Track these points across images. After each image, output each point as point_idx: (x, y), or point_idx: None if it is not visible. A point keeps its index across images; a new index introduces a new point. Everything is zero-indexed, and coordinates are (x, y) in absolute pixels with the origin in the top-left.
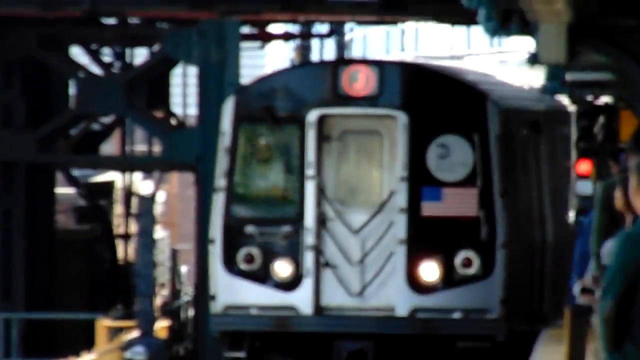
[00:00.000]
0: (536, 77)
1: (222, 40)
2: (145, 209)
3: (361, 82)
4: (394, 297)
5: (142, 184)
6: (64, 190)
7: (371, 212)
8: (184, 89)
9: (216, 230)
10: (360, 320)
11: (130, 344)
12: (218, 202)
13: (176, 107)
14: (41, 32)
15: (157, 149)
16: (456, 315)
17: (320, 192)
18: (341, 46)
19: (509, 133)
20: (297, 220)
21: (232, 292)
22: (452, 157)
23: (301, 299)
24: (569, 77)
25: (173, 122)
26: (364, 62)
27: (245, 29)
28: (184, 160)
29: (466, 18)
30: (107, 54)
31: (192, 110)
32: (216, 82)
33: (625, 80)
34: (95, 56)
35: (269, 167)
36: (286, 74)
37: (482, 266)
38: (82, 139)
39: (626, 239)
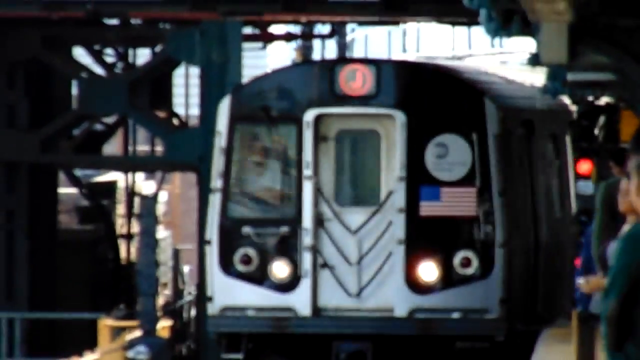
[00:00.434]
0: (538, 77)
1: (224, 40)
2: (147, 209)
3: (358, 81)
4: (392, 298)
5: (144, 184)
6: (66, 190)
7: (369, 212)
8: (186, 90)
9: (213, 231)
10: (358, 321)
11: (132, 344)
12: (214, 202)
13: (178, 107)
14: (44, 33)
15: (159, 149)
16: (455, 316)
17: (318, 192)
18: (342, 47)
19: (507, 132)
20: (295, 220)
21: (229, 293)
22: (451, 156)
23: (299, 300)
24: (570, 77)
25: (175, 122)
26: (361, 61)
27: (247, 30)
28: (186, 160)
29: (467, 18)
30: (109, 55)
31: (195, 111)
32: (218, 82)
33: (625, 80)
34: (98, 57)
35: (266, 168)
36: (282, 74)
37: (481, 266)
38: (84, 139)
39: (628, 239)
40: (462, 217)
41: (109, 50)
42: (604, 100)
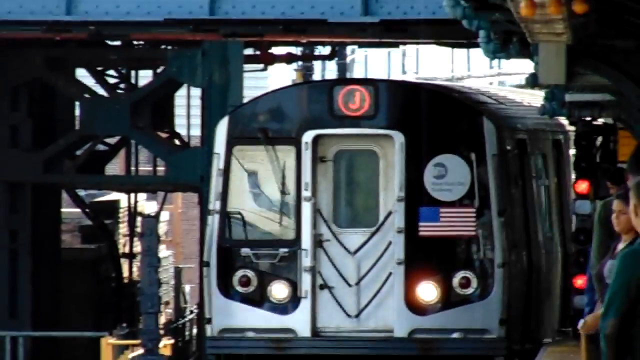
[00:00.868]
0: (536, 98)
1: (225, 62)
2: (149, 229)
3: (357, 101)
4: (392, 319)
5: (146, 204)
6: (69, 210)
7: (368, 233)
8: (188, 110)
9: (211, 253)
10: (358, 342)
11: None
12: (212, 224)
13: (180, 128)
14: (47, 54)
15: (161, 169)
16: (455, 336)
17: (317, 213)
18: (343, 67)
19: (505, 152)
20: (294, 242)
21: (228, 315)
22: (449, 176)
23: (298, 321)
24: (568, 97)
25: (177, 143)
26: (359, 81)
27: (248, 51)
28: (188, 180)
29: (466, 40)
30: (112, 76)
31: (196, 132)
32: (220, 103)
33: (623, 100)
34: (100, 78)
35: (264, 189)
36: (280, 94)
37: (480, 286)
38: (87, 159)
39: (626, 256)
40: (461, 237)
41: (111, 72)
42: (601, 120)
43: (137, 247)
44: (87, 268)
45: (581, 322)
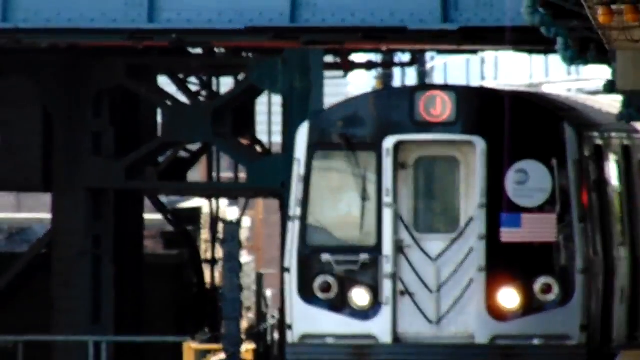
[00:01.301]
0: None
1: (306, 69)
2: (231, 235)
3: (438, 108)
4: (473, 325)
5: (228, 210)
6: (152, 216)
7: (449, 239)
8: (269, 117)
9: (292, 259)
10: (439, 349)
11: None
12: (293, 230)
13: (261, 134)
14: (129, 62)
15: (242, 175)
16: (536, 342)
17: (398, 219)
18: (422, 74)
19: (585, 157)
20: (375, 248)
21: (309, 321)
22: (531, 182)
23: (379, 328)
24: None
25: (258, 149)
26: (441, 87)
27: (329, 58)
28: (269, 186)
29: (544, 47)
30: (193, 83)
31: (277, 138)
32: (300, 110)
33: None
34: (182, 85)
35: (345, 195)
36: (361, 100)
37: (561, 292)
38: (169, 166)
39: None
40: (542, 243)
41: (193, 79)
42: None
43: (219, 253)
44: (170, 273)
45: None
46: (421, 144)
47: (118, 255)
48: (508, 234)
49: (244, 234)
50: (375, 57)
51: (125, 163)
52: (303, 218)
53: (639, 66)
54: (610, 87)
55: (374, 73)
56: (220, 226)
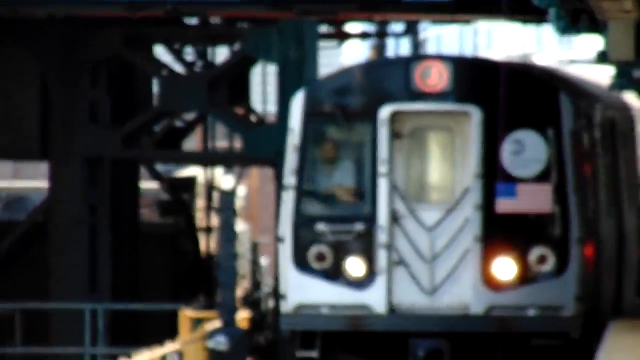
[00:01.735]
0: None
1: (301, 39)
2: (226, 204)
3: (434, 78)
4: (468, 295)
5: (223, 179)
6: (148, 185)
7: (444, 209)
8: (264, 87)
9: (286, 228)
10: (434, 319)
11: (212, 334)
12: (287, 200)
13: (256, 104)
14: (126, 32)
15: (238, 145)
16: (531, 313)
17: (393, 189)
18: (416, 45)
19: (581, 128)
20: (370, 218)
21: (304, 291)
22: (527, 152)
23: (374, 298)
24: (637, 74)
25: (253, 119)
26: (437, 58)
27: (323, 28)
28: (264, 155)
29: (537, 17)
30: (189, 53)
31: (272, 107)
32: (295, 80)
33: None
34: (178, 55)
35: (340, 165)
36: (357, 70)
37: (557, 263)
38: (165, 135)
39: None
40: (538, 214)
41: (188, 49)
42: None
43: (215, 222)
44: (166, 242)
45: None
46: (417, 114)
47: (114, 224)
48: (504, 205)
49: (239, 203)
50: (370, 28)
51: (122, 132)
52: (298, 188)
53: (631, 36)
54: (602, 58)
55: (369, 44)
56: (216, 195)
